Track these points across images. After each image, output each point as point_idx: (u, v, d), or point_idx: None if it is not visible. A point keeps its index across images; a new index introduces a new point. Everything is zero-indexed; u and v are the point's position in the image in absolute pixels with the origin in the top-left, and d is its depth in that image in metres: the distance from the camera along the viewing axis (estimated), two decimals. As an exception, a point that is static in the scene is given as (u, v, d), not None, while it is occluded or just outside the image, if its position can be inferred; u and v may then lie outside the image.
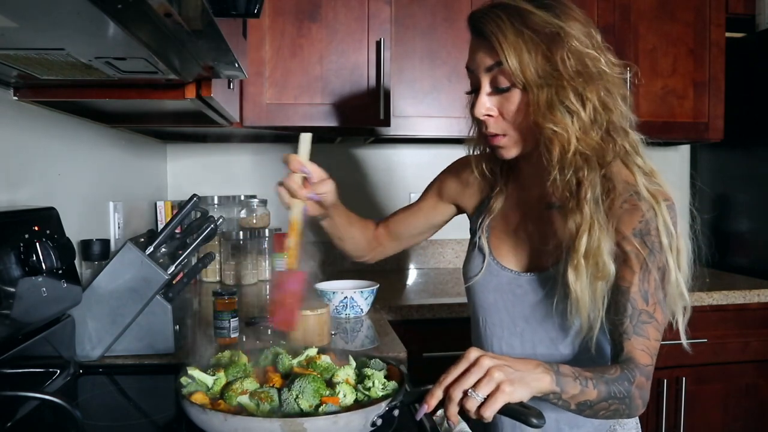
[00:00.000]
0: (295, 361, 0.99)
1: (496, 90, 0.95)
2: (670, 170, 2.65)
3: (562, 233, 0.95)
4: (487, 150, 1.09)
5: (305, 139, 1.04)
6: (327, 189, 1.07)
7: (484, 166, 1.11)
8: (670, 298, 0.93)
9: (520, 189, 1.10)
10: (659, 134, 2.22)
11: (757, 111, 2.26)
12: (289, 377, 0.91)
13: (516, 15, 0.91)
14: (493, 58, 0.93)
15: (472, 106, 0.99)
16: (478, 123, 1.01)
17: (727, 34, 2.26)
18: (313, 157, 1.05)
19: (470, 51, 0.98)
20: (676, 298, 0.93)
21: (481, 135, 1.04)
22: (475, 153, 1.12)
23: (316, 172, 1.05)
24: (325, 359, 0.98)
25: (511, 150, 0.99)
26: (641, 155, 0.98)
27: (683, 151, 2.69)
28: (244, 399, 0.86)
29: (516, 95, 0.94)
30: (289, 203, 1.03)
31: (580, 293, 0.92)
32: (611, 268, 0.92)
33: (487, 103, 0.96)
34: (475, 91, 0.99)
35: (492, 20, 0.92)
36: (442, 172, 1.26)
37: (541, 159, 0.95)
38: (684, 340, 0.95)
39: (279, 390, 0.88)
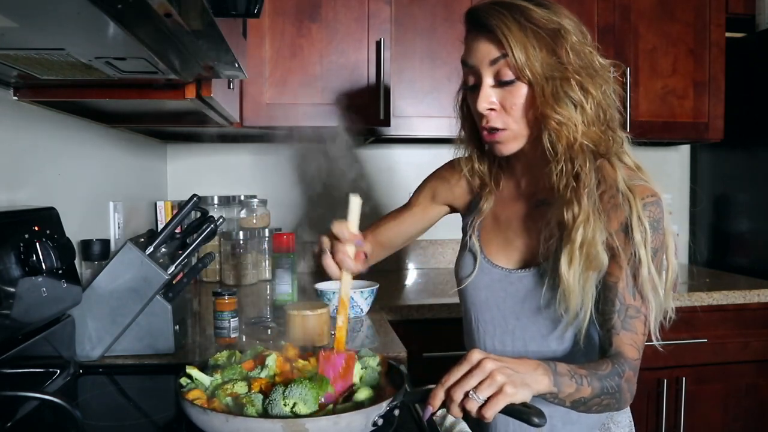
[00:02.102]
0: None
1: (500, 83, 0.95)
2: (670, 170, 2.65)
3: (553, 228, 0.96)
4: (476, 149, 1.10)
5: (355, 203, 0.92)
6: (368, 249, 0.99)
7: (473, 166, 1.12)
8: (643, 294, 0.94)
9: (510, 187, 1.11)
10: (659, 134, 2.22)
11: (757, 111, 2.26)
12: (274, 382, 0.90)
13: (517, 11, 0.93)
14: (499, 50, 0.93)
15: (470, 100, 0.99)
16: (479, 117, 1.00)
17: (727, 34, 2.26)
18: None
19: (469, 45, 0.98)
20: (648, 295, 0.93)
21: (474, 134, 1.05)
22: (465, 154, 1.12)
23: (360, 237, 0.95)
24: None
25: (509, 145, 0.99)
26: (627, 152, 1.00)
27: (683, 151, 2.69)
28: (230, 401, 0.85)
29: (520, 88, 0.94)
30: (338, 276, 0.94)
31: (571, 282, 0.93)
32: (604, 258, 0.93)
33: (491, 97, 0.96)
34: (472, 86, 0.99)
35: (495, 15, 0.93)
36: (432, 176, 1.25)
37: (533, 156, 0.97)
38: (655, 341, 0.96)
39: (266, 395, 0.86)
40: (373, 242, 1.19)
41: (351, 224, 0.92)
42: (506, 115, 0.96)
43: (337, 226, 0.92)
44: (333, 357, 0.90)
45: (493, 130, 0.98)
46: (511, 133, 0.98)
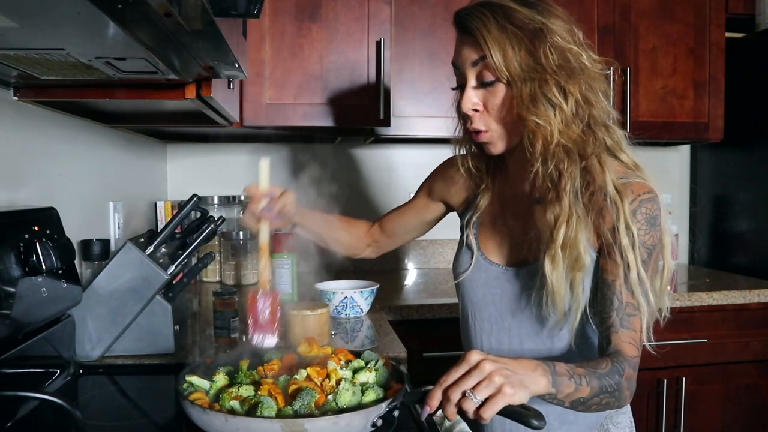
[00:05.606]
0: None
1: (482, 84, 0.97)
2: (670, 170, 2.65)
3: (541, 228, 0.96)
4: (473, 148, 1.11)
5: (263, 167, 1.09)
6: (286, 200, 1.11)
7: (470, 164, 1.13)
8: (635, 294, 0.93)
9: (506, 185, 1.12)
10: (659, 134, 2.21)
11: (757, 111, 2.26)
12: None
13: (500, 11, 0.93)
14: (478, 53, 0.95)
15: (459, 101, 1.00)
16: (464, 118, 1.02)
17: (727, 34, 2.26)
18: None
19: (456, 48, 1.00)
20: (639, 298, 0.93)
21: (467, 132, 1.06)
22: (461, 152, 1.13)
23: (276, 191, 1.10)
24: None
25: (497, 145, 1.01)
26: (624, 150, 0.99)
27: (683, 151, 2.69)
28: (236, 404, 0.85)
29: (500, 89, 0.95)
30: (256, 228, 1.08)
31: (555, 283, 0.94)
32: (587, 259, 0.94)
33: (473, 98, 0.98)
34: (461, 87, 1.00)
35: (476, 17, 0.94)
36: (432, 173, 1.28)
37: (524, 155, 0.97)
38: (647, 343, 0.96)
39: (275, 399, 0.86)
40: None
41: (261, 185, 1.09)
42: (488, 116, 0.98)
43: (247, 188, 1.10)
44: (262, 297, 1.04)
45: (477, 132, 1.00)
46: (495, 134, 0.99)
